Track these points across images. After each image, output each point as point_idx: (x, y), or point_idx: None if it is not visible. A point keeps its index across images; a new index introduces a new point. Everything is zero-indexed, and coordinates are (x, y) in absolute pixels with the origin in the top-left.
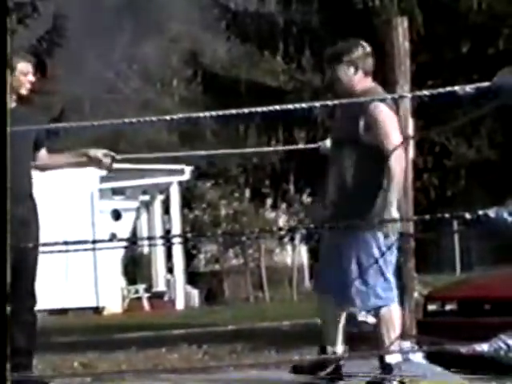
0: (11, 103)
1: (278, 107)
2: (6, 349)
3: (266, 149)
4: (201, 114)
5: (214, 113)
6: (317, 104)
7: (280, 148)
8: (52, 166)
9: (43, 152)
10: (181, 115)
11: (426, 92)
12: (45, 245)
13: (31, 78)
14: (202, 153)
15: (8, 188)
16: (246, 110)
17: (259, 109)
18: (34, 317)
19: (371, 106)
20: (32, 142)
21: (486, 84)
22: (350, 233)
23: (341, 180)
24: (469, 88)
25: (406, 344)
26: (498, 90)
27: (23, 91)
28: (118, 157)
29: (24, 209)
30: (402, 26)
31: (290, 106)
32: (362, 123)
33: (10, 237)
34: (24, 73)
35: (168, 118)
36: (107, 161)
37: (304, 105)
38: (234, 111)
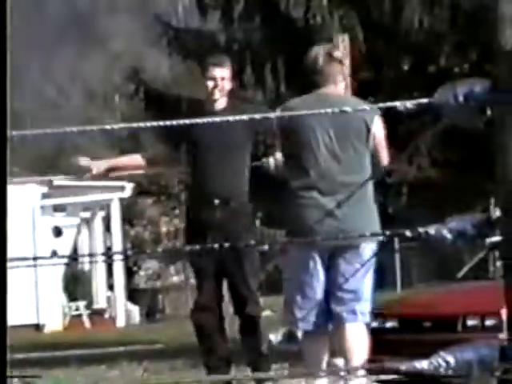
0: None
1: (217, 119)
2: (6, 349)
3: None
4: (141, 124)
5: (154, 123)
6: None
7: None
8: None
9: None
10: (122, 125)
11: (366, 107)
12: None
13: (225, 84)
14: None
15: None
16: (186, 122)
17: (199, 121)
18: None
19: None
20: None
21: (426, 100)
22: None
23: None
24: (409, 104)
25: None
26: (438, 107)
27: (215, 97)
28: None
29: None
30: (342, 43)
31: (230, 118)
32: None
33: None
34: (212, 78)
35: (108, 127)
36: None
37: (245, 117)
38: (174, 122)
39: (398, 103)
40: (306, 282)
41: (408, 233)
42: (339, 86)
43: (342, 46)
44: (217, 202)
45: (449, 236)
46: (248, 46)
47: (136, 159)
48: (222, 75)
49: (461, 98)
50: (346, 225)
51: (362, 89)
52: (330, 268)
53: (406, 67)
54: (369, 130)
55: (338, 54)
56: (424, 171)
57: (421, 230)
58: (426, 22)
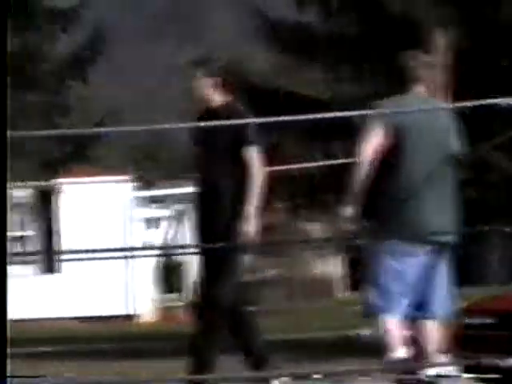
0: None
1: (318, 116)
2: (6, 348)
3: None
4: (238, 122)
5: (249, 120)
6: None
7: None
8: None
9: None
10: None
11: (467, 104)
12: (80, 252)
13: (210, 92)
14: None
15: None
16: (286, 118)
17: (298, 117)
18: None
19: None
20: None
21: None
22: None
23: None
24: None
25: (444, 357)
26: None
27: (204, 104)
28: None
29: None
30: (443, 37)
31: (329, 115)
32: None
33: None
34: (201, 87)
35: (202, 124)
36: None
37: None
38: (272, 119)
39: (499, 100)
40: (411, 272)
41: (508, 229)
42: (428, 88)
43: (441, 42)
44: (204, 199)
45: None
46: (345, 39)
47: None
48: (207, 84)
49: None
50: (446, 222)
51: (461, 84)
52: (429, 264)
53: (504, 63)
54: (457, 129)
55: (428, 59)
56: None
57: None
58: None
